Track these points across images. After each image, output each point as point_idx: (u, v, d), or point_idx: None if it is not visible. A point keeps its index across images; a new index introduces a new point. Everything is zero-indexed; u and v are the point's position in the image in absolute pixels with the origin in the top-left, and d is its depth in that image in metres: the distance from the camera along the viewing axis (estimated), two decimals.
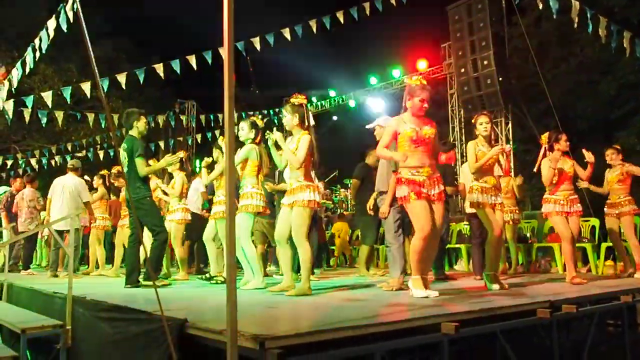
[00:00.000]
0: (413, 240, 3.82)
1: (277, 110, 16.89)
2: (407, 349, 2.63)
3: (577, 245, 7.25)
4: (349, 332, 2.36)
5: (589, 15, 8.16)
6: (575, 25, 8.34)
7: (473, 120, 4.94)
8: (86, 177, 8.65)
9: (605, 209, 6.27)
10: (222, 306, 2.04)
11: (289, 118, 4.34)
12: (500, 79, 12.26)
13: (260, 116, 5.30)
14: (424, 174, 3.83)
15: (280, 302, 3.68)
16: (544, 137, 5.41)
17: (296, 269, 5.13)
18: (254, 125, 4.97)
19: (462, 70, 12.96)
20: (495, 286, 4.42)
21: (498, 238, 4.53)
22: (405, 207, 3.90)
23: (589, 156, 5.49)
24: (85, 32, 2.43)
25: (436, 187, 3.87)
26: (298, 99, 4.38)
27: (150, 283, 4.79)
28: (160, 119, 15.04)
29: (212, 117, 15.80)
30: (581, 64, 16.09)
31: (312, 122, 4.45)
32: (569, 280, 4.99)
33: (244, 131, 4.92)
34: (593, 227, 7.33)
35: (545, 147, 5.36)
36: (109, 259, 8.04)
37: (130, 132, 5.24)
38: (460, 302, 3.48)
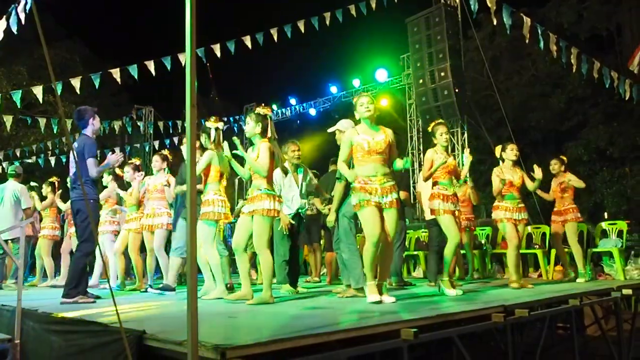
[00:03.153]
0: (365, 246, 3.88)
1: (237, 117, 16.83)
2: (368, 355, 2.65)
3: (530, 251, 7.58)
4: (310, 340, 2.37)
5: (539, 32, 8.55)
6: (527, 41, 8.72)
7: (430, 129, 5.03)
8: (32, 183, 8.33)
9: (552, 217, 6.55)
10: (182, 317, 2.02)
11: (251, 125, 4.30)
12: (457, 90, 12.57)
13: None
14: (376, 182, 3.92)
15: (241, 311, 3.65)
16: (497, 149, 5.61)
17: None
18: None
19: (420, 81, 13.21)
20: (453, 292, 4.53)
21: (457, 245, 4.69)
22: (358, 215, 4.00)
23: (537, 172, 5.46)
24: (41, 33, 2.36)
25: (389, 195, 3.93)
26: (264, 110, 4.36)
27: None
28: (116, 124, 14.66)
29: (170, 123, 15.58)
30: (533, 77, 16.77)
31: (275, 135, 4.40)
32: (513, 284, 5.12)
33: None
34: (544, 234, 7.60)
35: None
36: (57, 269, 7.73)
37: (84, 131, 4.89)
38: (418, 308, 3.55)
